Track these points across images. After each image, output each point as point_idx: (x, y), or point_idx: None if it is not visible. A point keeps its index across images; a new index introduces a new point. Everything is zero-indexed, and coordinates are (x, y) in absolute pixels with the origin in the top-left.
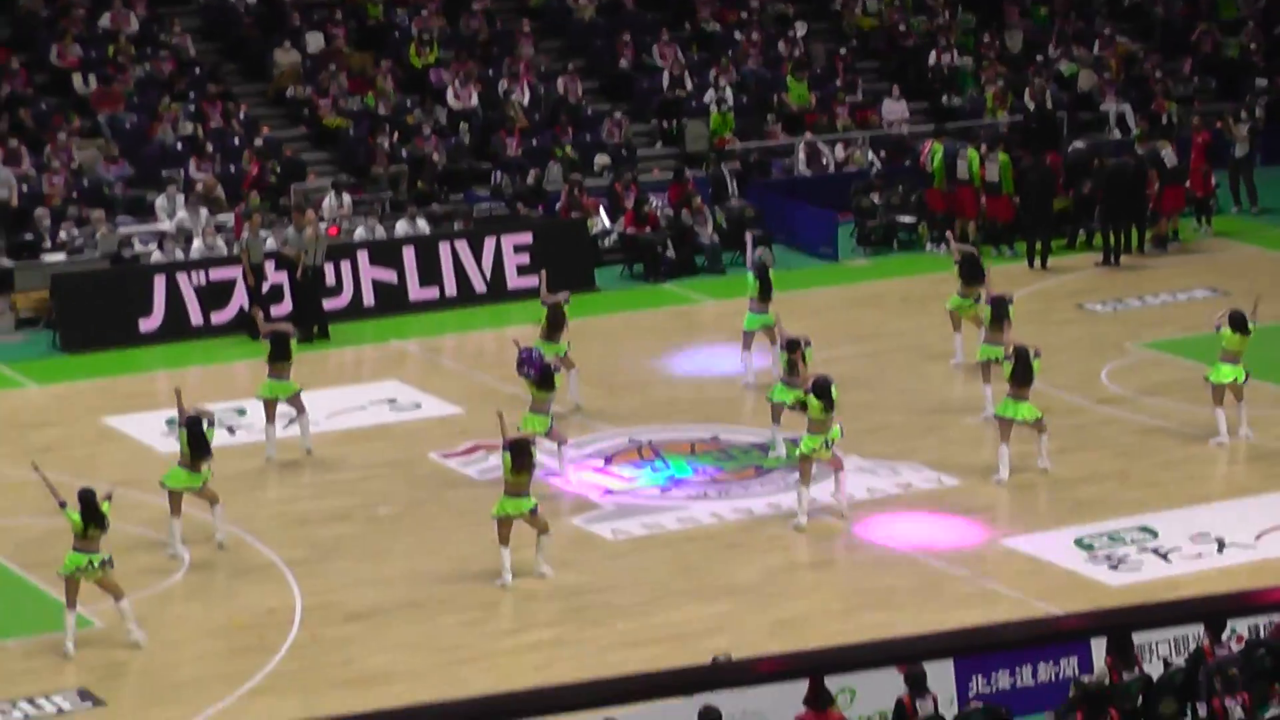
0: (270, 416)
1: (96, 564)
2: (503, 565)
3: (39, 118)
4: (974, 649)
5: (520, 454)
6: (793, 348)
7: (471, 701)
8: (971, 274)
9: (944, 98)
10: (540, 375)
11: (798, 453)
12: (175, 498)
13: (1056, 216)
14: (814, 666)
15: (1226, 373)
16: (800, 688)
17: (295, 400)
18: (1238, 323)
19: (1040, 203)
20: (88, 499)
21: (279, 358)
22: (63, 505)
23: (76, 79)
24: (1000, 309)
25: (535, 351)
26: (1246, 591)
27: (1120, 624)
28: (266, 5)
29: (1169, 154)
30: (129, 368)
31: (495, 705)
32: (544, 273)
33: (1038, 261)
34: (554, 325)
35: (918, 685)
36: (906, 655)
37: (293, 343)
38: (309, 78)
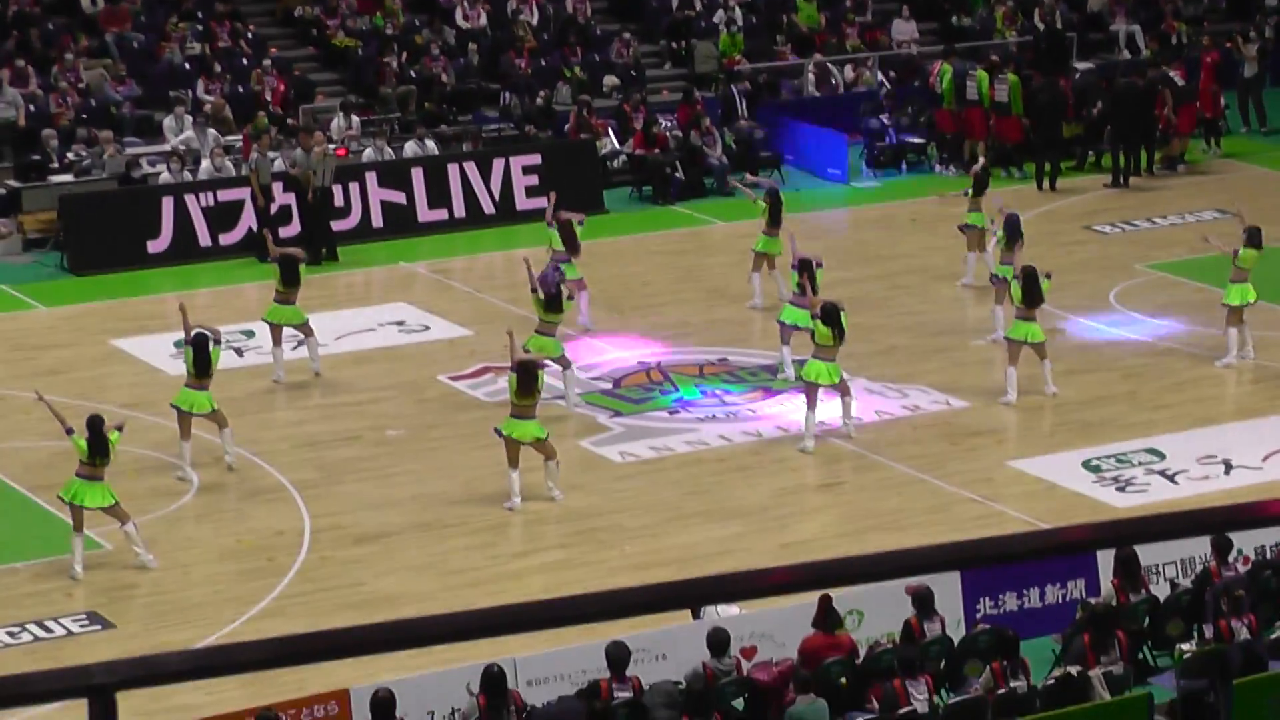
0: (277, 339)
1: (96, 502)
2: (510, 488)
3: (46, 37)
4: (981, 560)
5: (527, 376)
6: (804, 268)
7: (479, 613)
8: (981, 188)
9: (953, 18)
10: (549, 297)
11: (803, 378)
12: (185, 420)
13: (1066, 139)
14: (823, 578)
15: (1241, 294)
16: (807, 612)
17: (303, 327)
18: (1255, 239)
19: (1050, 124)
20: (95, 425)
21: (288, 282)
22: (70, 431)
23: None
24: (1013, 229)
25: (555, 274)
26: (1252, 503)
27: (1126, 536)
28: None
29: (1175, 74)
30: (137, 289)
31: (504, 617)
32: (552, 195)
33: (1046, 183)
34: (568, 244)
35: (925, 607)
36: (916, 566)
37: (301, 267)
38: None
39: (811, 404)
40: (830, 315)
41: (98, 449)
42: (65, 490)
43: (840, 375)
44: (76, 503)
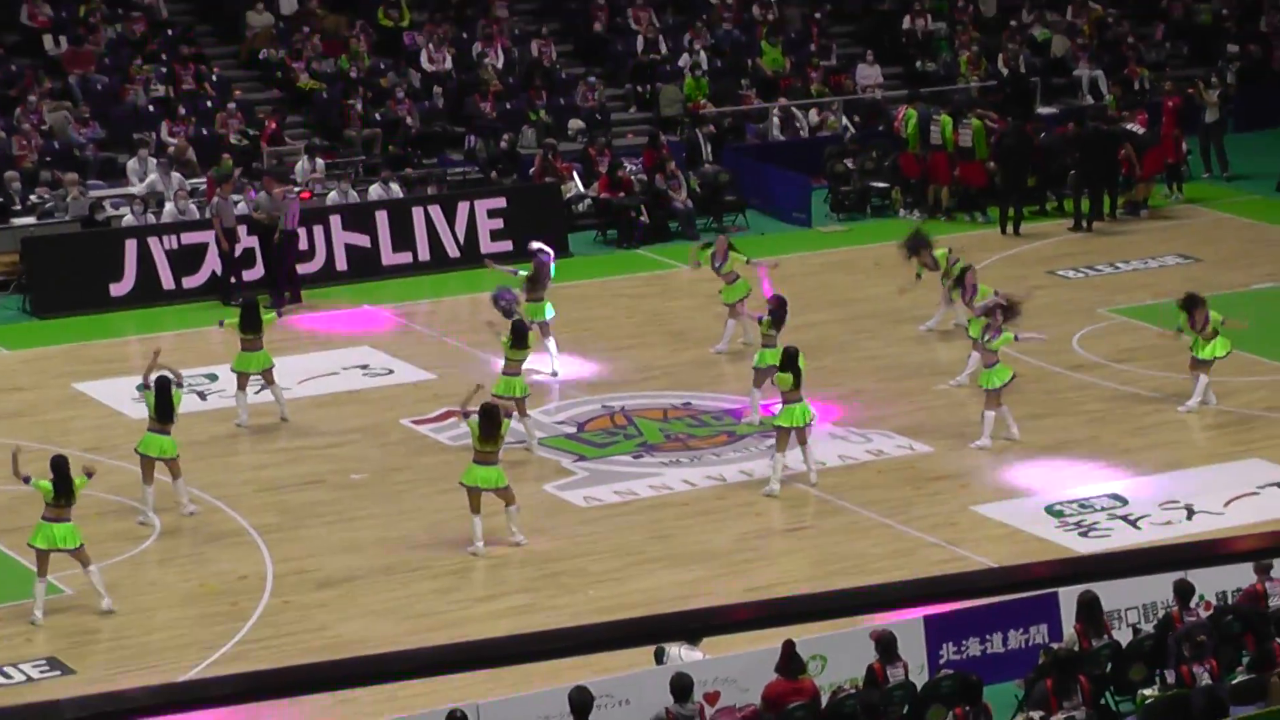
0: (242, 385)
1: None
2: (474, 533)
3: (9, 79)
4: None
5: (489, 421)
6: (779, 306)
7: (445, 649)
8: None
9: (918, 63)
10: (515, 333)
11: (774, 423)
12: (148, 464)
13: (1029, 184)
14: (787, 614)
15: (1213, 349)
16: (771, 657)
17: (267, 374)
18: (1188, 303)
19: (1015, 169)
20: (60, 467)
21: (250, 329)
22: (27, 480)
23: (47, 39)
24: (961, 281)
25: (507, 295)
26: (1212, 541)
27: (1088, 572)
28: None
29: (1135, 126)
30: (100, 332)
31: (470, 652)
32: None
33: (1011, 227)
34: (536, 281)
35: (888, 652)
36: (879, 603)
37: (264, 313)
38: (282, 39)
39: (781, 446)
40: (789, 359)
41: (62, 490)
42: (36, 538)
43: (811, 417)
44: (48, 547)
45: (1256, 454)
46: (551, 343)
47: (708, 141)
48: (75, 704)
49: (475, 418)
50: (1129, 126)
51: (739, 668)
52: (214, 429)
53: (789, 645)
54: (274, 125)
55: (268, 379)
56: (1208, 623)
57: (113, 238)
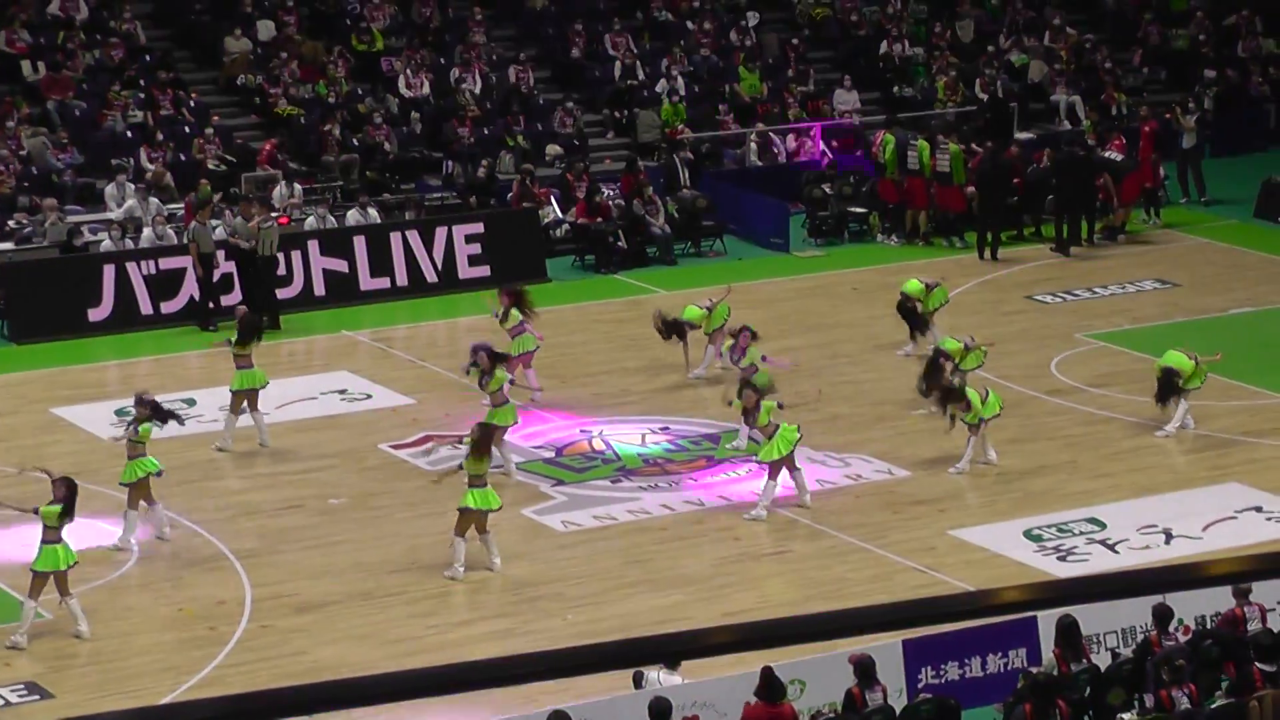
0: (235, 408)
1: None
2: (455, 555)
3: None
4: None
5: (484, 441)
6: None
7: (425, 672)
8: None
9: (895, 88)
10: (490, 361)
11: (764, 460)
12: (135, 491)
13: (1008, 209)
14: (767, 638)
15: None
16: (749, 681)
17: (254, 397)
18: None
19: (993, 194)
20: (73, 487)
21: (244, 342)
22: (35, 511)
23: (25, 65)
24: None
25: (483, 348)
26: (1189, 564)
27: (1066, 596)
28: None
29: (1113, 153)
30: (78, 358)
31: (448, 676)
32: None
33: (988, 252)
34: (525, 309)
35: (867, 676)
36: (857, 626)
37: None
38: (260, 65)
39: (774, 474)
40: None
41: (69, 512)
42: (41, 562)
43: (797, 437)
44: (54, 568)
45: (1234, 478)
46: (532, 375)
47: (685, 167)
48: None
49: (472, 440)
50: (1107, 154)
51: (717, 692)
52: (193, 454)
53: (767, 670)
54: (270, 147)
55: (252, 403)
56: (1186, 647)
57: (91, 263)
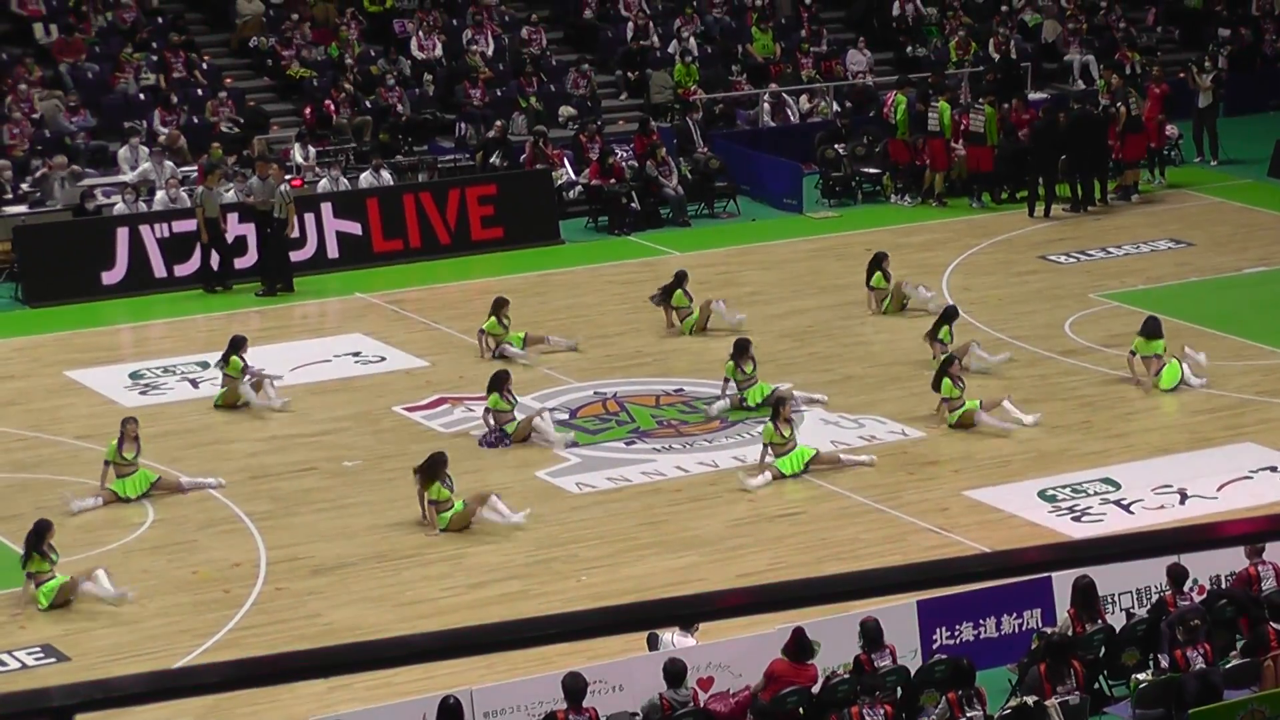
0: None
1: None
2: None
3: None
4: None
5: (431, 469)
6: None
7: (439, 635)
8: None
9: (908, 48)
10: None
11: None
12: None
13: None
14: (781, 600)
15: (1169, 376)
16: (764, 642)
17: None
18: (1148, 328)
19: (1046, 152)
20: (44, 529)
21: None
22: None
23: (38, 28)
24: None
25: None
26: (1205, 524)
27: (1081, 557)
28: None
29: (1135, 101)
30: (92, 320)
31: (462, 639)
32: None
33: (1040, 208)
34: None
35: (873, 641)
36: (872, 588)
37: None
38: (272, 27)
39: (776, 476)
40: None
41: (36, 551)
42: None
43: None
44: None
45: (1249, 438)
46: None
47: (698, 128)
48: (64, 691)
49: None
50: (1130, 101)
51: (732, 653)
52: (206, 417)
53: (799, 631)
54: (330, 107)
55: (258, 383)
56: (1201, 607)
57: (104, 226)
